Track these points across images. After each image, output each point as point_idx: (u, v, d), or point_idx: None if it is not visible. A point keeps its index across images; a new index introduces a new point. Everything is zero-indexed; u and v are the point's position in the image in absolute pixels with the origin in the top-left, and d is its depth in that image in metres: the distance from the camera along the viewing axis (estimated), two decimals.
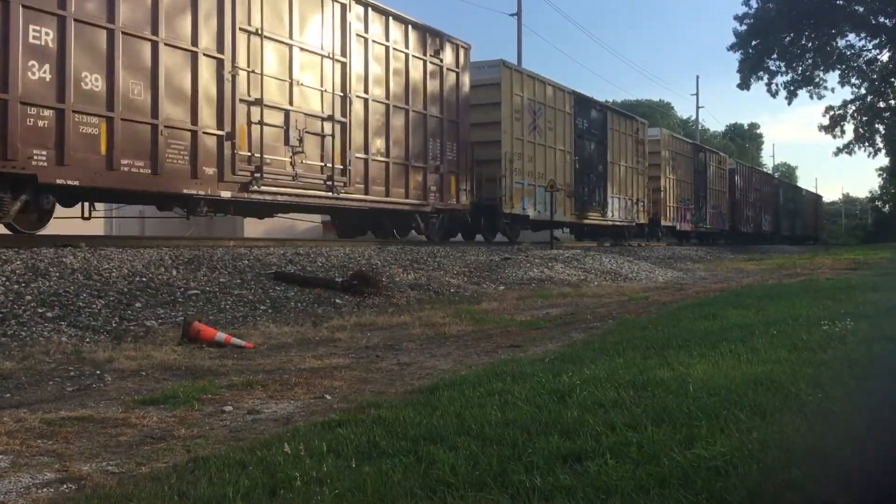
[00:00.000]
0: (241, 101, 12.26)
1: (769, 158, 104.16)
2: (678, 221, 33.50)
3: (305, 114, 13.47)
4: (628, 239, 28.41)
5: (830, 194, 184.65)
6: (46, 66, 9.56)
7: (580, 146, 23.98)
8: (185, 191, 11.43)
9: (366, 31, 15.02)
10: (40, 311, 7.56)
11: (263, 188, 12.60)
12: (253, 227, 21.07)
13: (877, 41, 44.40)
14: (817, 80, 45.96)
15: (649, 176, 29.96)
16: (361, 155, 14.82)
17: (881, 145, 50.02)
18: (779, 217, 52.19)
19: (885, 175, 61.91)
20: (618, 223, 27.21)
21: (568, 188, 23.11)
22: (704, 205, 36.92)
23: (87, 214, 11.44)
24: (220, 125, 11.90)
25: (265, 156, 12.61)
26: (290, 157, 13.20)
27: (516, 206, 20.16)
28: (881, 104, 48.09)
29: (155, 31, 10.89)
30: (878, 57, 45.58)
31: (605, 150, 25.99)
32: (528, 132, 20.86)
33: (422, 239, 17.78)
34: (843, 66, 45.98)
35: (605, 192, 25.89)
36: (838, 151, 51.52)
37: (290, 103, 13.18)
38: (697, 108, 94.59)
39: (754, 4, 43.11)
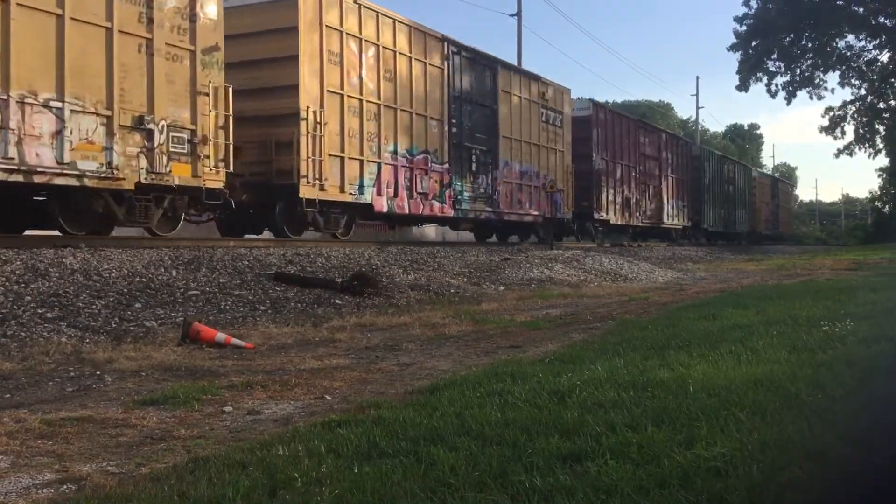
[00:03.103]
0: None
1: (769, 159, 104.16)
2: (393, 197, 16.22)
3: None
4: (191, 218, 12.93)
5: (830, 195, 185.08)
6: None
7: None
8: None
9: None
10: (40, 311, 7.56)
11: None
12: None
13: (877, 42, 44.51)
14: (817, 80, 46.04)
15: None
16: None
17: (881, 146, 50.04)
18: (702, 204, 37.61)
19: (885, 175, 61.74)
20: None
21: None
22: (497, 173, 20.18)
23: None
24: None
25: None
26: None
27: None
28: (881, 105, 48.13)
29: None
30: (878, 57, 45.70)
31: None
32: None
33: None
34: (843, 67, 46.02)
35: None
36: (839, 153, 51.58)
37: None
38: (697, 108, 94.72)
39: (754, 5, 43.20)
